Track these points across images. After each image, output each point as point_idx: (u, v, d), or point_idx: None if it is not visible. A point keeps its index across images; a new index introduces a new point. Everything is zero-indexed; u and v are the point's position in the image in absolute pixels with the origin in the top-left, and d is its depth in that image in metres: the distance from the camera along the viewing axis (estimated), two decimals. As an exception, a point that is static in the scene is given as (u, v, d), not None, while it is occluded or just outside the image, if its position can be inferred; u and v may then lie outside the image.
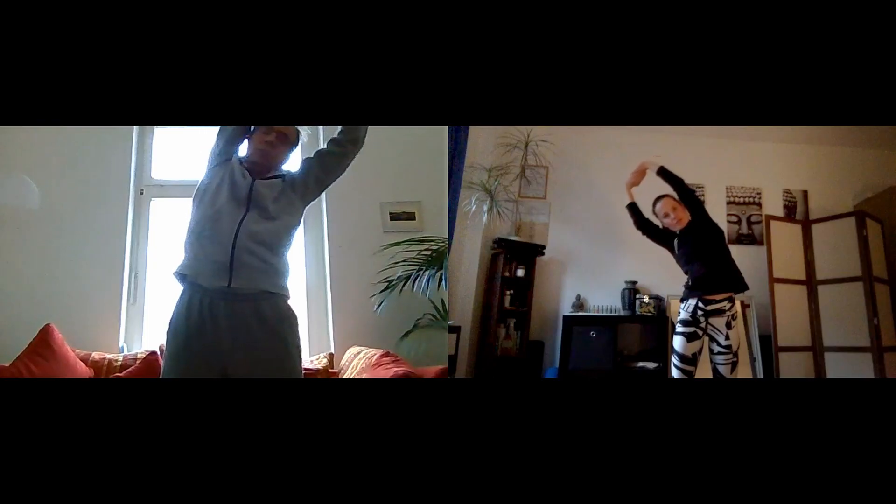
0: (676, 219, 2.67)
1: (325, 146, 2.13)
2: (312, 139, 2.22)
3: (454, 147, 3.35)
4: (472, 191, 3.59)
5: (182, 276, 1.93)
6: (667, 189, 2.71)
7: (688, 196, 2.67)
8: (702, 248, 2.63)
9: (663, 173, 2.68)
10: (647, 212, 2.83)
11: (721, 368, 2.58)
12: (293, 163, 2.21)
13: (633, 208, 2.80)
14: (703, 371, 2.68)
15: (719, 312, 2.57)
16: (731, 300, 2.60)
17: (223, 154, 2.08)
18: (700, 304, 2.58)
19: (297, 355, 1.94)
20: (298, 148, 2.21)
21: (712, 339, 2.59)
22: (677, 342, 2.61)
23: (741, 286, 2.62)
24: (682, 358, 2.58)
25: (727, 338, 2.56)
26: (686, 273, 2.68)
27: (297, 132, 2.17)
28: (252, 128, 2.11)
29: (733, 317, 2.58)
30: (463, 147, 3.46)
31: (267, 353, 1.87)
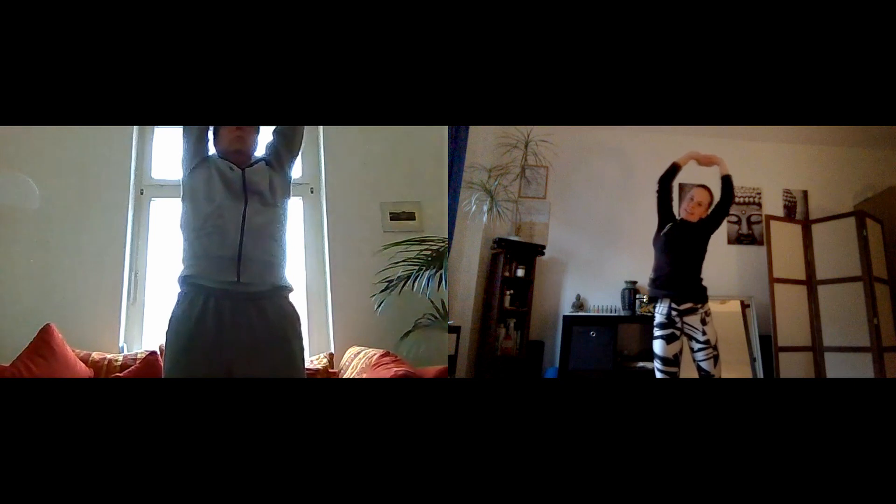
0: (694, 213, 2.65)
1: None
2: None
3: (454, 147, 3.35)
4: (472, 191, 3.59)
5: (184, 277, 1.90)
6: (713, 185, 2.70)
7: (723, 211, 2.67)
8: (684, 249, 2.63)
9: (726, 180, 2.67)
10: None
11: (704, 364, 2.57)
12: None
13: (674, 168, 2.73)
14: (691, 372, 2.68)
15: (692, 311, 2.58)
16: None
17: (198, 153, 2.06)
18: (673, 305, 2.59)
19: (300, 358, 1.93)
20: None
21: (690, 338, 2.60)
22: (657, 346, 2.61)
23: (701, 298, 2.62)
24: (663, 361, 2.58)
25: (704, 333, 2.57)
26: (656, 259, 2.68)
27: None
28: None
29: (707, 313, 2.60)
30: (463, 147, 3.46)
31: (270, 355, 1.85)
